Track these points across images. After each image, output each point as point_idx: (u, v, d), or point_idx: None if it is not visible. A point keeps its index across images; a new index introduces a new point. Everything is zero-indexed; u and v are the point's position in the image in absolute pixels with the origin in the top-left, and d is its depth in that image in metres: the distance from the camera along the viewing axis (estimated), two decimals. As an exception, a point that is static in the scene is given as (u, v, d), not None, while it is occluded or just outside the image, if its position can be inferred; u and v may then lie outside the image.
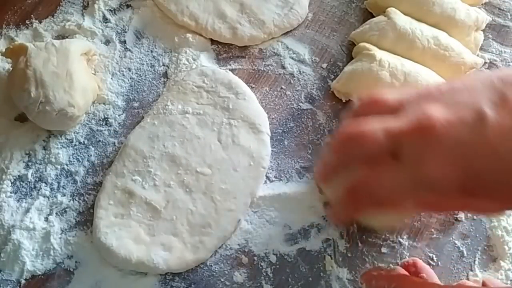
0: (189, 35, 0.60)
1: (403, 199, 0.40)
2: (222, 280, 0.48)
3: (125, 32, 0.61)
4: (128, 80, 0.58)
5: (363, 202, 0.41)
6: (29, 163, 0.54)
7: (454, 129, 0.37)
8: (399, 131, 0.39)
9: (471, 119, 0.36)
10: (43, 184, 0.52)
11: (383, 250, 0.49)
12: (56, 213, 0.51)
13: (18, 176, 0.53)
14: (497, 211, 0.43)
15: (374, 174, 0.40)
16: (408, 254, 0.49)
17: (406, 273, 0.45)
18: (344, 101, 0.56)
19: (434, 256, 0.49)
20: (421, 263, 0.47)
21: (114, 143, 0.55)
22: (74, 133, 0.55)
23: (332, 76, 0.58)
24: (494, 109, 0.36)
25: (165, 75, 0.59)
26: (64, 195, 0.52)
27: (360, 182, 0.41)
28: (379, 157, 0.40)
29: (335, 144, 0.43)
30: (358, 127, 0.41)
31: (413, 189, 0.38)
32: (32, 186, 0.52)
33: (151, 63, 0.59)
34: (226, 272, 0.48)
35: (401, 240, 0.50)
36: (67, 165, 0.53)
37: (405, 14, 0.57)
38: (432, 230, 0.50)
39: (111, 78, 0.58)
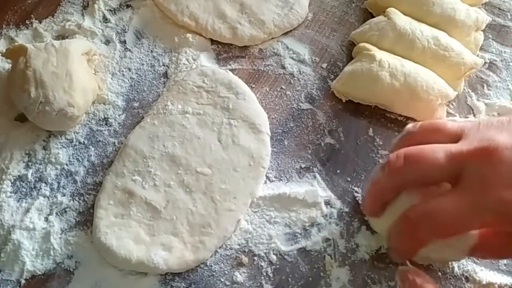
0: (189, 35, 0.60)
1: (469, 226, 0.38)
2: (222, 280, 0.48)
3: (125, 32, 0.61)
4: (128, 80, 0.58)
5: (424, 230, 0.39)
6: (29, 163, 0.54)
7: None
8: (462, 154, 0.38)
9: None
10: (43, 184, 0.52)
11: (383, 250, 0.49)
12: (56, 213, 0.51)
13: (18, 176, 0.53)
14: None
15: (435, 201, 0.38)
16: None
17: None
18: (344, 101, 0.56)
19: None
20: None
21: (114, 143, 0.55)
22: (74, 133, 0.55)
23: (332, 76, 0.58)
24: None
25: (165, 75, 0.59)
26: (64, 195, 0.52)
27: (419, 209, 0.39)
28: (439, 182, 0.39)
29: (391, 166, 0.41)
30: (418, 149, 0.39)
31: (479, 214, 0.37)
32: (32, 186, 0.52)
33: (151, 63, 0.59)
34: (226, 272, 0.48)
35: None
36: (67, 165, 0.53)
37: (405, 14, 0.58)
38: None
39: (111, 78, 0.58)
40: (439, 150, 0.39)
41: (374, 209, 0.45)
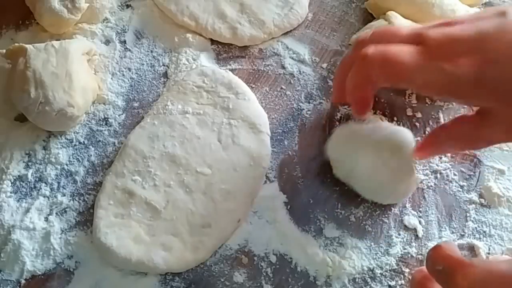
0: (189, 35, 0.60)
1: (413, 76, 0.40)
2: (222, 280, 0.48)
3: (125, 32, 0.61)
4: (128, 80, 0.58)
5: (377, 68, 0.41)
6: (29, 163, 0.54)
7: (477, 22, 0.39)
8: (424, 28, 0.41)
9: (493, 14, 0.39)
10: (43, 184, 0.52)
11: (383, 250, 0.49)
12: (56, 213, 0.51)
13: (18, 176, 0.53)
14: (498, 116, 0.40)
15: (396, 46, 0.41)
16: (409, 251, 0.49)
17: None
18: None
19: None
20: None
21: (114, 143, 0.55)
22: (74, 133, 0.55)
23: (332, 76, 0.58)
24: None
25: (165, 75, 0.59)
26: (64, 195, 0.52)
27: (379, 48, 0.41)
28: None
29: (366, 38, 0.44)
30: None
31: (427, 67, 0.39)
32: (32, 186, 0.52)
33: (151, 63, 0.59)
34: (226, 272, 0.48)
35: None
36: (67, 165, 0.53)
37: (405, 16, 0.57)
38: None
39: (111, 78, 0.58)
40: (405, 27, 0.44)
41: (339, 92, 0.48)
